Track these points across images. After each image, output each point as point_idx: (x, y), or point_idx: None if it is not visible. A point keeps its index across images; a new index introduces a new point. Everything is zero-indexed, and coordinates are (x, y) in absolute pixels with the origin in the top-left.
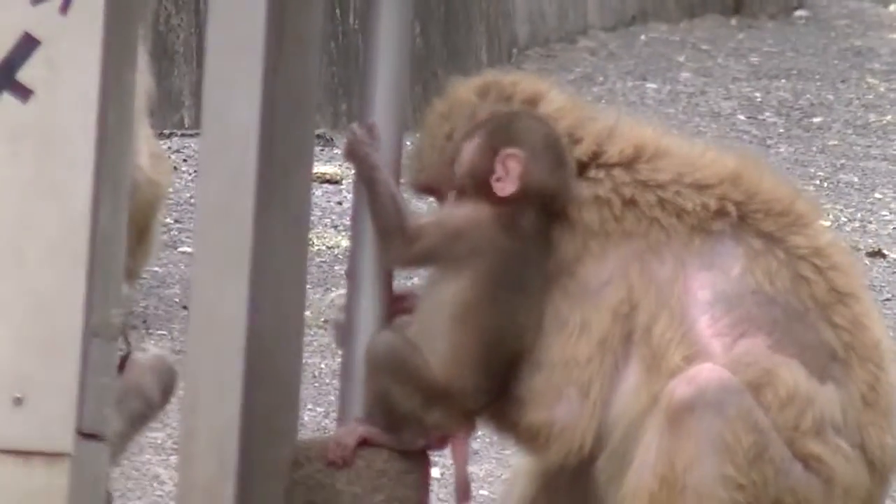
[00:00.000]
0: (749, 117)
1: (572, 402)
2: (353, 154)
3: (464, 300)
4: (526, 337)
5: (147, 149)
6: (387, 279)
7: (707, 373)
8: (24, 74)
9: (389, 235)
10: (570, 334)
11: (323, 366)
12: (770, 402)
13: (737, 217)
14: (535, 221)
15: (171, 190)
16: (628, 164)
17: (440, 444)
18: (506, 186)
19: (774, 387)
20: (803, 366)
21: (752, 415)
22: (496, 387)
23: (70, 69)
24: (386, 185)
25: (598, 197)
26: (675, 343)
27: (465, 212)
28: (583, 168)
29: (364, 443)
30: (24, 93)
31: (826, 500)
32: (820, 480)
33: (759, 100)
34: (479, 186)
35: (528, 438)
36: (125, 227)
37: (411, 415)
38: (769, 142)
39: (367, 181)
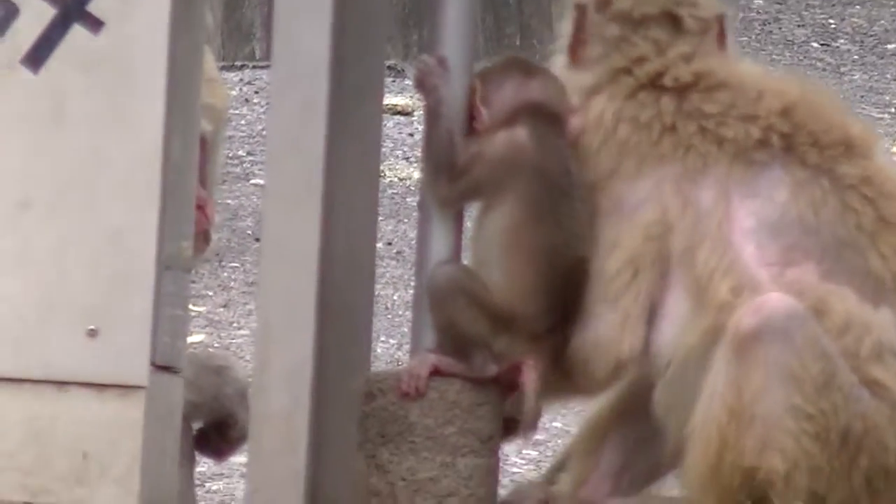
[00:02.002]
0: (823, 44)
1: (603, 318)
2: (422, 84)
3: (510, 223)
4: (579, 247)
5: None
6: (457, 211)
7: (773, 301)
8: (95, 6)
9: (439, 173)
10: (601, 251)
11: (395, 297)
12: (827, 331)
13: (781, 148)
14: (558, 139)
15: (242, 122)
16: (680, 91)
17: (511, 372)
18: (479, 120)
19: (829, 314)
20: (858, 291)
21: (818, 342)
22: (559, 306)
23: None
24: (447, 121)
25: (636, 119)
26: (721, 272)
27: (499, 139)
28: (637, 88)
29: (436, 373)
30: (95, 24)
31: (892, 425)
32: (886, 405)
33: (833, 27)
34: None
35: (577, 364)
36: (196, 158)
37: (479, 341)
38: (843, 69)
39: (430, 114)
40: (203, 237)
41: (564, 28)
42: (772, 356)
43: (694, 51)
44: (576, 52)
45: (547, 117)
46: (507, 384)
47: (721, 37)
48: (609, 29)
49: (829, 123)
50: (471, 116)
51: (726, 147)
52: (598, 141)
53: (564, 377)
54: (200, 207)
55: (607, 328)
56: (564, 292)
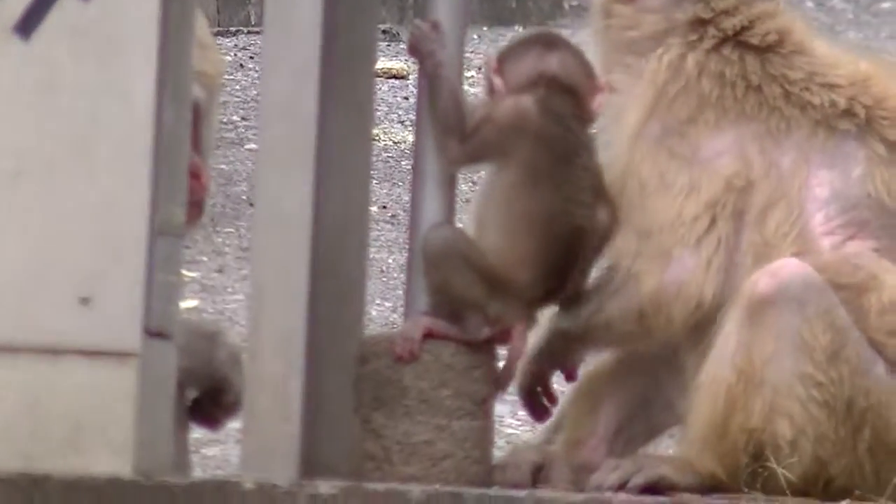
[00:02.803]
0: (817, 4)
1: (684, 260)
2: (417, 50)
3: (511, 187)
4: (580, 215)
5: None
6: (450, 174)
7: (791, 268)
8: None
9: (449, 134)
10: (676, 195)
11: (390, 261)
12: (872, 306)
13: (864, 119)
14: (568, 110)
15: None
16: (765, 51)
17: (503, 336)
18: (493, 90)
19: (879, 292)
20: None
21: (831, 313)
22: (556, 274)
23: None
24: (449, 83)
25: (722, 75)
26: (790, 238)
27: (508, 103)
28: (723, 41)
29: (430, 336)
30: None
31: None
32: None
33: None
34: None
35: (652, 313)
36: (189, 124)
37: (473, 304)
38: (837, 28)
39: (431, 78)
40: (198, 205)
41: None
42: (784, 322)
43: (773, 10)
44: None
45: (562, 90)
46: (499, 343)
47: None
48: None
49: None
50: (488, 87)
51: (810, 112)
52: (677, 88)
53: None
54: (195, 175)
55: (691, 271)
56: (562, 260)
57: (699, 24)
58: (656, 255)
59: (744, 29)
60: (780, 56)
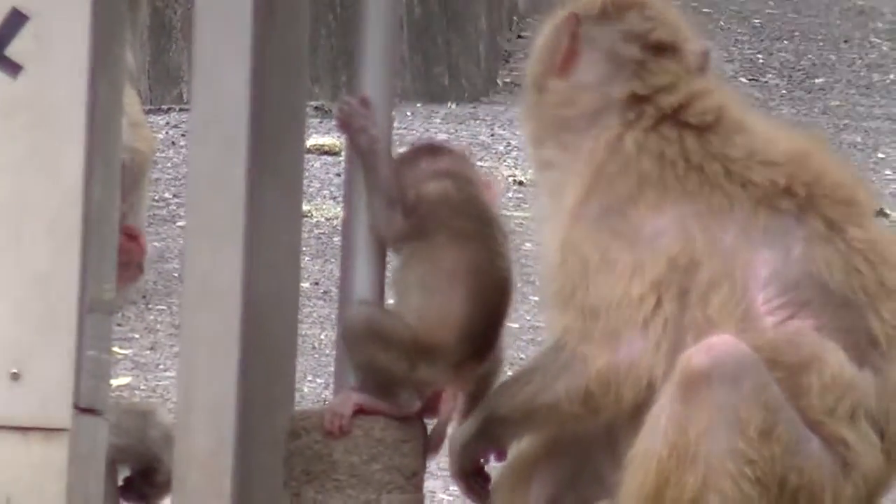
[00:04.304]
0: (751, 79)
1: (633, 342)
2: (347, 125)
3: (435, 248)
4: (503, 265)
5: (126, 118)
6: (380, 249)
7: (725, 345)
8: (13, 50)
9: (392, 208)
10: (620, 274)
11: (322, 337)
12: (812, 385)
13: (804, 197)
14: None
15: (168, 165)
16: (704, 129)
17: (433, 406)
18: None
19: (820, 371)
20: (846, 350)
21: (766, 391)
22: (481, 332)
23: (59, 43)
24: (386, 157)
25: (661, 154)
26: (734, 317)
27: (431, 185)
28: (661, 119)
29: (360, 412)
30: (13, 68)
31: (837, 483)
32: (837, 463)
33: (761, 61)
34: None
35: (602, 392)
36: (118, 201)
37: (400, 377)
38: (771, 104)
39: (364, 153)
40: (139, 267)
41: (545, 37)
42: (718, 398)
43: (709, 87)
44: (567, 63)
45: (461, 178)
46: (430, 413)
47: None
48: (623, 49)
49: (840, 178)
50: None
51: (751, 190)
52: (617, 167)
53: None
54: (133, 237)
55: (640, 353)
56: (487, 317)
57: (636, 101)
58: (604, 335)
59: (681, 107)
60: (718, 135)
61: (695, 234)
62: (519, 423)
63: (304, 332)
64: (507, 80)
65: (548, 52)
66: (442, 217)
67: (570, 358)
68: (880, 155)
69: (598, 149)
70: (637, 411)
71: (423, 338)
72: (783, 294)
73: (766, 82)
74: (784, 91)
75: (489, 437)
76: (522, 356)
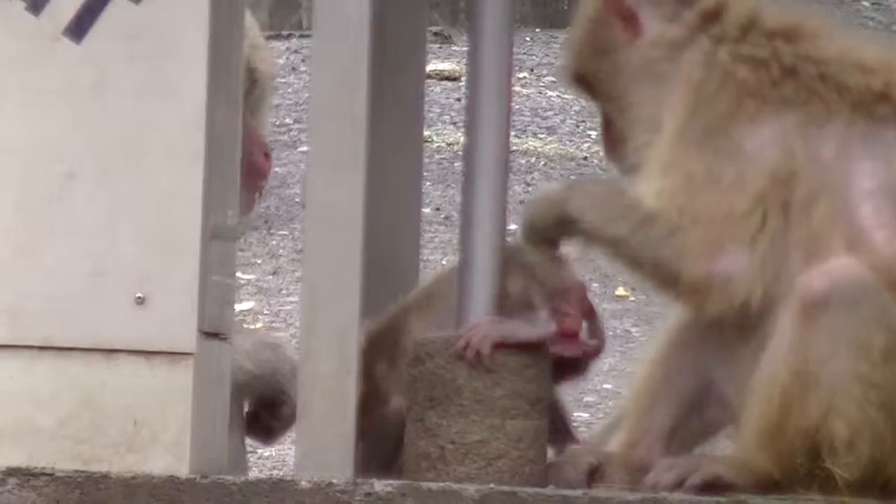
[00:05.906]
0: (874, 3)
1: (737, 256)
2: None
3: None
4: None
5: (246, 41)
6: (502, 174)
7: (843, 268)
8: None
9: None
10: (725, 191)
11: (444, 262)
12: None
13: None
14: None
15: (290, 90)
16: (789, 35)
17: (562, 334)
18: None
19: None
20: None
21: (886, 313)
22: None
23: None
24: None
25: (755, 58)
26: (838, 231)
27: None
28: (744, 28)
29: (500, 345)
30: None
31: None
32: None
33: None
34: None
35: (690, 292)
36: (240, 126)
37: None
38: (894, 27)
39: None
40: (259, 189)
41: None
42: (839, 322)
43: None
44: (631, 29)
45: None
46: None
47: None
48: None
49: None
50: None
51: (847, 96)
52: (714, 83)
53: None
54: (267, 155)
55: (742, 270)
56: None
57: (710, 19)
58: (706, 244)
59: (753, 21)
60: (805, 38)
61: (794, 145)
62: (595, 242)
63: (425, 258)
64: None
65: (600, 31)
66: None
67: (668, 229)
68: None
69: (694, 70)
70: (749, 329)
71: None
72: (891, 206)
73: (889, 5)
74: None
75: (564, 229)
76: None
